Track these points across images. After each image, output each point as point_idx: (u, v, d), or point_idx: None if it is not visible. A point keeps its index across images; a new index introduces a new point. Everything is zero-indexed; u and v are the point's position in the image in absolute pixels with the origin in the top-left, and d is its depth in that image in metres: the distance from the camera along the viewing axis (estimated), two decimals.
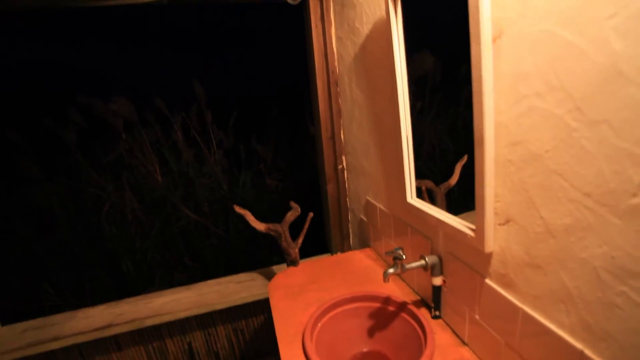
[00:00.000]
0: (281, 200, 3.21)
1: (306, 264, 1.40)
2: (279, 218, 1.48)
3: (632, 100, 0.43)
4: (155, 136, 2.88)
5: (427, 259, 0.90)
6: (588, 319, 0.52)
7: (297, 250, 1.39)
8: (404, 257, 0.90)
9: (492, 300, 0.73)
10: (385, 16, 1.04)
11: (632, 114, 0.43)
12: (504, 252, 0.68)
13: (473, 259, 0.79)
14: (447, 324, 0.93)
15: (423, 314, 0.96)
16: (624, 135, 0.44)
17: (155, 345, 1.60)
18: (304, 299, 1.13)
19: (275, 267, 1.73)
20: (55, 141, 2.75)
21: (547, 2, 0.52)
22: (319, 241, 1.93)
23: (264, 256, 3.02)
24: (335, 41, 1.53)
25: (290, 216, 1.38)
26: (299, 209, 1.40)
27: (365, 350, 1.03)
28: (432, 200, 1.00)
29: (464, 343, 0.86)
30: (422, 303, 1.04)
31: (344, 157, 1.63)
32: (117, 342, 1.64)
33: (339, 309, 1.06)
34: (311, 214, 1.39)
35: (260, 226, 1.36)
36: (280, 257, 2.88)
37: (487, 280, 0.73)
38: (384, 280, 0.90)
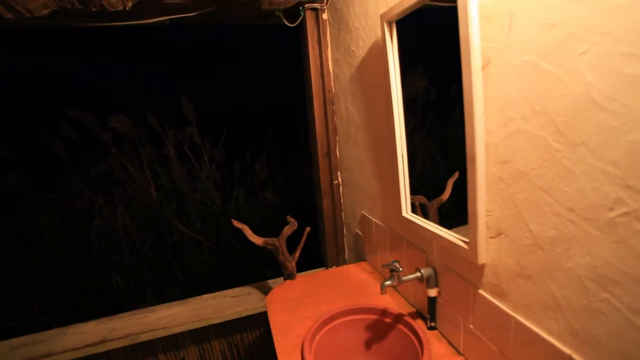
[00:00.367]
0: (275, 215, 3.23)
1: (303, 278, 1.42)
2: (272, 233, 1.50)
3: (605, 125, 0.49)
4: (148, 151, 2.89)
5: (422, 271, 0.94)
6: (575, 325, 0.57)
7: (294, 263, 1.41)
8: (400, 269, 0.94)
9: (486, 310, 0.76)
10: (380, 41, 1.11)
11: (606, 137, 0.49)
12: (496, 263, 0.73)
13: (467, 270, 0.83)
14: (443, 335, 0.96)
15: (419, 325, 0.99)
16: (600, 156, 0.50)
17: None
18: (302, 312, 1.15)
19: (271, 281, 1.74)
20: (45, 156, 2.74)
21: (529, 37, 0.59)
22: (314, 255, 1.95)
23: (256, 271, 3.01)
24: (331, 62, 1.60)
25: (287, 230, 1.41)
26: (296, 224, 1.43)
27: None
28: (425, 215, 1.04)
29: (459, 353, 0.89)
30: (417, 314, 1.07)
31: (339, 173, 1.68)
32: (109, 358, 1.61)
33: (337, 322, 1.08)
34: (308, 229, 1.42)
35: (257, 240, 1.38)
36: (274, 271, 2.88)
37: (481, 291, 0.77)
38: (381, 292, 0.93)
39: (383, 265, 0.97)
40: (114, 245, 2.83)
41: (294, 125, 3.51)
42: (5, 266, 2.65)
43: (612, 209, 0.49)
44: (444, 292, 0.93)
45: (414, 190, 1.08)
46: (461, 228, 0.87)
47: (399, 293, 1.21)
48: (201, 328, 1.63)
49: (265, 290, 1.67)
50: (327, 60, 1.60)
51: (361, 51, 1.29)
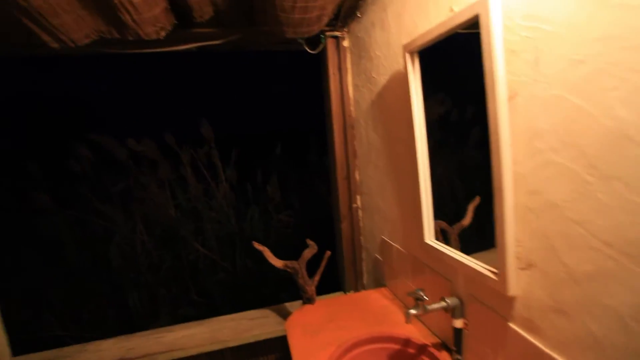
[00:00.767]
0: (289, 236, 3.23)
1: (322, 302, 1.41)
2: (286, 253, 1.50)
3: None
4: (165, 170, 2.96)
5: (448, 301, 0.92)
6: None
7: (313, 287, 1.41)
8: (425, 298, 0.92)
9: (517, 345, 0.74)
10: (402, 69, 1.14)
11: None
12: (527, 296, 0.71)
13: (495, 302, 0.81)
14: None
15: (444, 357, 0.96)
16: (637, 191, 0.49)
17: None
18: (323, 338, 1.13)
19: (288, 304, 1.72)
20: (68, 174, 2.84)
21: (557, 72, 0.60)
22: (332, 279, 1.93)
23: (270, 292, 2.99)
24: (351, 88, 1.64)
25: (308, 254, 1.41)
26: (316, 247, 1.43)
27: None
28: (446, 240, 1.04)
29: None
30: (442, 346, 1.04)
31: (358, 197, 1.68)
32: None
33: (359, 350, 1.06)
34: (328, 253, 1.42)
35: (278, 263, 1.39)
36: (288, 293, 2.86)
37: (511, 324, 0.75)
38: (406, 321, 0.91)
39: (408, 294, 0.96)
40: (132, 262, 2.87)
41: (305, 147, 3.56)
42: (26, 280, 2.71)
43: None
44: (470, 323, 0.91)
45: (434, 215, 1.08)
46: (483, 254, 0.86)
47: (422, 322, 1.18)
48: (218, 350, 1.62)
49: (282, 314, 1.66)
50: (348, 85, 1.64)
51: (382, 78, 1.32)
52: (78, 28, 1.20)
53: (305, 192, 3.44)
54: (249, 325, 1.59)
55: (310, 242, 1.45)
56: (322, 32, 1.61)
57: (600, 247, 0.55)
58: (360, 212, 1.69)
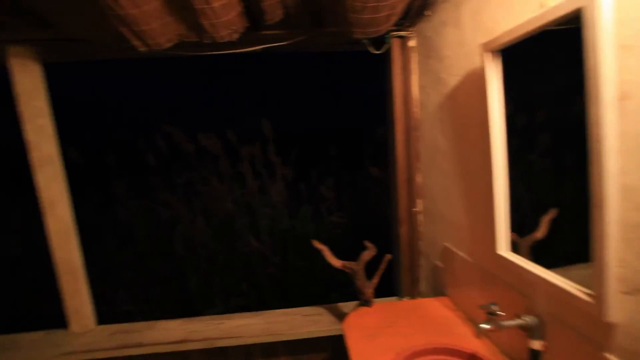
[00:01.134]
0: (340, 237, 3.24)
1: (380, 306, 1.39)
2: (336, 255, 1.49)
3: None
4: (226, 166, 3.12)
5: (526, 319, 0.85)
6: None
7: (371, 290, 1.39)
8: (500, 313, 0.86)
9: None
10: (479, 70, 1.07)
11: None
12: (631, 324, 0.63)
13: (587, 326, 0.73)
14: None
15: None
16: None
17: None
18: (382, 343, 1.11)
19: (341, 305, 1.72)
20: (143, 165, 3.12)
21: None
22: (386, 283, 1.89)
23: (319, 291, 3.02)
24: (417, 89, 1.59)
25: (367, 256, 1.39)
26: (375, 250, 1.41)
27: None
28: (516, 253, 0.97)
29: None
30: None
31: (419, 201, 1.63)
32: (186, 358, 1.72)
33: (421, 359, 1.02)
34: (389, 256, 1.39)
35: (336, 263, 1.39)
36: (338, 293, 2.86)
37: (607, 355, 0.67)
38: (477, 335, 0.86)
39: (480, 307, 0.90)
40: (192, 250, 3.07)
41: (361, 148, 3.53)
42: (104, 258, 3.03)
43: None
44: (551, 346, 0.83)
45: None
46: (561, 270, 0.79)
47: (490, 339, 1.11)
48: (272, 342, 1.67)
49: (336, 313, 1.66)
50: (413, 86, 1.59)
51: (453, 79, 1.26)
52: (163, 33, 1.30)
53: (358, 194, 3.42)
54: (303, 321, 1.62)
55: (368, 244, 1.43)
56: (388, 32, 1.58)
57: None
58: (420, 217, 1.64)
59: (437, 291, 1.51)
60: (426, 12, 1.40)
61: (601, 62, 0.64)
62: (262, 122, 2.91)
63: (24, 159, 1.57)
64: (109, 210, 3.16)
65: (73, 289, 1.66)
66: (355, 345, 1.12)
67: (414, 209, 1.63)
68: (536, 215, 0.91)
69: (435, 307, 1.35)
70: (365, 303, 1.39)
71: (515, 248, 0.99)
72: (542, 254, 0.90)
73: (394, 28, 1.52)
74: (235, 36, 1.41)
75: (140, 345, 1.56)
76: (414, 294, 1.71)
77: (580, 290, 0.73)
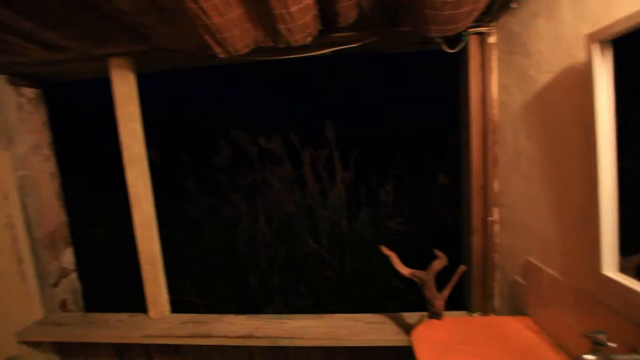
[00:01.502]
0: (398, 244, 3.14)
1: (451, 320, 1.30)
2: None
3: None
4: (288, 168, 3.20)
5: None
6: None
7: (442, 302, 1.31)
8: (611, 345, 0.75)
9: None
10: (579, 64, 0.96)
11: None
12: None
13: None
14: None
15: None
16: None
17: None
18: None
19: (405, 314, 1.65)
20: (212, 165, 3.33)
21: None
22: (453, 296, 1.78)
23: (376, 298, 2.94)
24: (496, 89, 1.47)
25: (438, 265, 1.31)
26: (446, 260, 1.33)
27: None
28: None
29: None
30: None
31: (495, 209, 1.50)
32: (251, 353, 1.78)
33: None
34: (463, 267, 1.30)
35: (405, 270, 1.34)
36: (397, 302, 2.76)
37: None
38: None
39: (584, 334, 0.79)
40: (253, 248, 3.20)
41: (423, 153, 3.40)
42: (175, 251, 3.28)
43: None
44: None
45: None
46: None
47: None
48: (333, 347, 1.65)
49: (400, 323, 1.59)
50: (492, 86, 1.48)
51: (544, 76, 1.14)
52: (242, 39, 1.37)
53: (419, 200, 3.29)
54: (365, 328, 1.58)
55: (439, 253, 1.35)
56: (466, 29, 1.49)
57: None
58: (496, 227, 1.51)
59: (516, 309, 1.38)
60: (512, 4, 1.29)
61: None
62: (325, 125, 2.94)
63: (118, 159, 1.76)
64: (181, 207, 3.42)
65: (152, 277, 1.81)
66: None
67: (490, 218, 1.51)
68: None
69: (514, 327, 1.22)
70: (435, 315, 1.31)
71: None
72: None
73: (472, 24, 1.43)
74: (309, 39, 1.44)
75: (208, 336, 1.64)
76: (486, 310, 1.58)
77: None
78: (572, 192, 1.03)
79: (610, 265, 0.87)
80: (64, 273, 2.02)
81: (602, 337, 0.75)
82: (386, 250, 1.34)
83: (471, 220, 1.54)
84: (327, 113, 3.03)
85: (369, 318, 1.66)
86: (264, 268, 3.13)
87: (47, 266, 1.92)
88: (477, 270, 1.56)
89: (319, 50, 1.63)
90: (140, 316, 1.87)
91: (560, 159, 1.08)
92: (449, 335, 1.19)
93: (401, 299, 2.79)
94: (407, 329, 1.52)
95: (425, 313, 1.41)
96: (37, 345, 1.84)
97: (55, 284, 1.96)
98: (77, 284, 2.11)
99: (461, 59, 1.61)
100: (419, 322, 1.54)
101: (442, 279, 1.35)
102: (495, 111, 1.47)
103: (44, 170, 1.96)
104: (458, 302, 1.74)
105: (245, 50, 1.46)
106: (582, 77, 0.94)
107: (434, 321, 1.30)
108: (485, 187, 1.51)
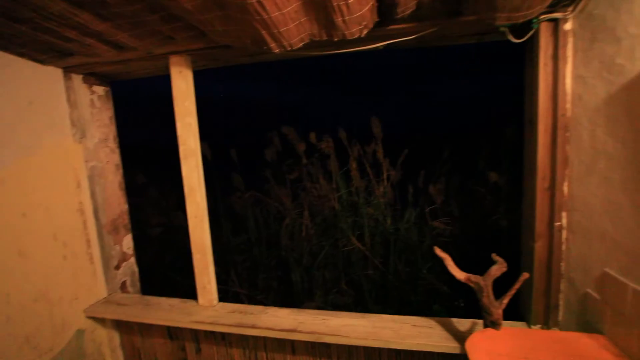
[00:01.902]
0: (445, 246, 3.00)
1: (510, 331, 1.20)
2: (441, 265, 1.33)
3: None
4: (334, 164, 3.19)
5: None
6: None
7: (500, 311, 1.21)
8: None
9: None
10: None
11: None
12: None
13: None
14: None
15: None
16: None
17: None
18: None
19: (455, 321, 1.56)
20: (257, 160, 3.41)
21: None
22: (508, 304, 1.65)
23: (420, 300, 2.84)
24: (570, 80, 1.33)
25: (496, 271, 1.22)
26: (506, 265, 1.23)
27: None
28: None
29: None
30: None
31: (564, 214, 1.37)
32: (293, 347, 1.80)
33: None
34: (526, 275, 1.19)
35: (460, 275, 1.26)
36: (442, 306, 2.65)
37: None
38: None
39: None
40: (296, 243, 3.23)
41: (475, 152, 3.22)
42: (221, 243, 3.41)
43: None
44: None
45: None
46: None
47: None
48: (376, 348, 1.62)
49: (449, 329, 1.51)
50: (565, 78, 1.34)
51: (637, 65, 1.00)
52: (297, 33, 1.36)
53: (468, 201, 3.12)
54: (412, 332, 1.52)
55: (498, 258, 1.26)
56: (537, 15, 1.36)
57: None
58: (564, 233, 1.37)
59: (586, 325, 1.24)
60: None
61: None
62: (373, 122, 2.88)
63: (175, 152, 1.85)
64: (228, 200, 3.54)
65: (203, 266, 1.89)
66: None
67: (557, 224, 1.38)
68: None
69: (586, 345, 1.10)
70: (493, 325, 1.22)
71: None
72: None
73: (546, 10, 1.31)
74: (365, 32, 1.40)
75: (254, 327, 1.68)
76: (548, 322, 1.45)
77: None
78: None
79: None
80: (124, 257, 2.18)
81: None
82: (440, 252, 1.27)
83: (534, 224, 1.42)
84: (375, 110, 2.97)
85: (416, 321, 1.60)
86: (307, 263, 3.15)
87: (111, 250, 2.08)
88: (539, 279, 1.43)
89: (372, 44, 1.59)
90: (190, 302, 1.96)
91: None
92: (509, 347, 1.10)
93: (446, 303, 2.67)
94: (458, 335, 1.44)
95: (478, 321, 1.32)
96: (101, 321, 2.01)
97: (117, 267, 2.12)
98: (135, 268, 2.27)
99: (528, 49, 1.49)
100: (471, 330, 1.45)
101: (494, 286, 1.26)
102: (568, 105, 1.34)
103: (110, 162, 2.12)
104: (512, 311, 1.61)
105: (300, 44, 1.45)
106: None
107: (491, 331, 1.21)
108: (553, 189, 1.38)
